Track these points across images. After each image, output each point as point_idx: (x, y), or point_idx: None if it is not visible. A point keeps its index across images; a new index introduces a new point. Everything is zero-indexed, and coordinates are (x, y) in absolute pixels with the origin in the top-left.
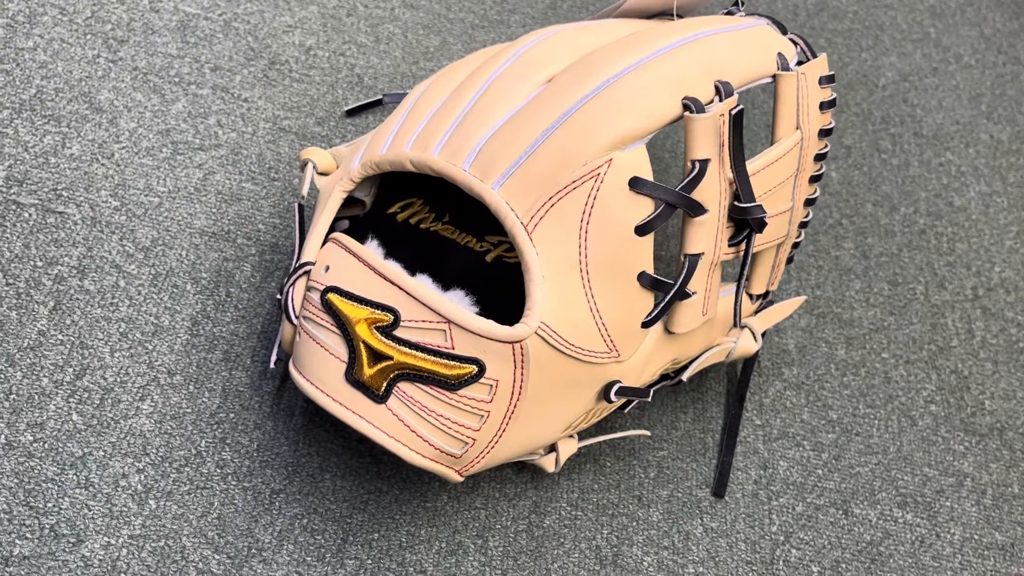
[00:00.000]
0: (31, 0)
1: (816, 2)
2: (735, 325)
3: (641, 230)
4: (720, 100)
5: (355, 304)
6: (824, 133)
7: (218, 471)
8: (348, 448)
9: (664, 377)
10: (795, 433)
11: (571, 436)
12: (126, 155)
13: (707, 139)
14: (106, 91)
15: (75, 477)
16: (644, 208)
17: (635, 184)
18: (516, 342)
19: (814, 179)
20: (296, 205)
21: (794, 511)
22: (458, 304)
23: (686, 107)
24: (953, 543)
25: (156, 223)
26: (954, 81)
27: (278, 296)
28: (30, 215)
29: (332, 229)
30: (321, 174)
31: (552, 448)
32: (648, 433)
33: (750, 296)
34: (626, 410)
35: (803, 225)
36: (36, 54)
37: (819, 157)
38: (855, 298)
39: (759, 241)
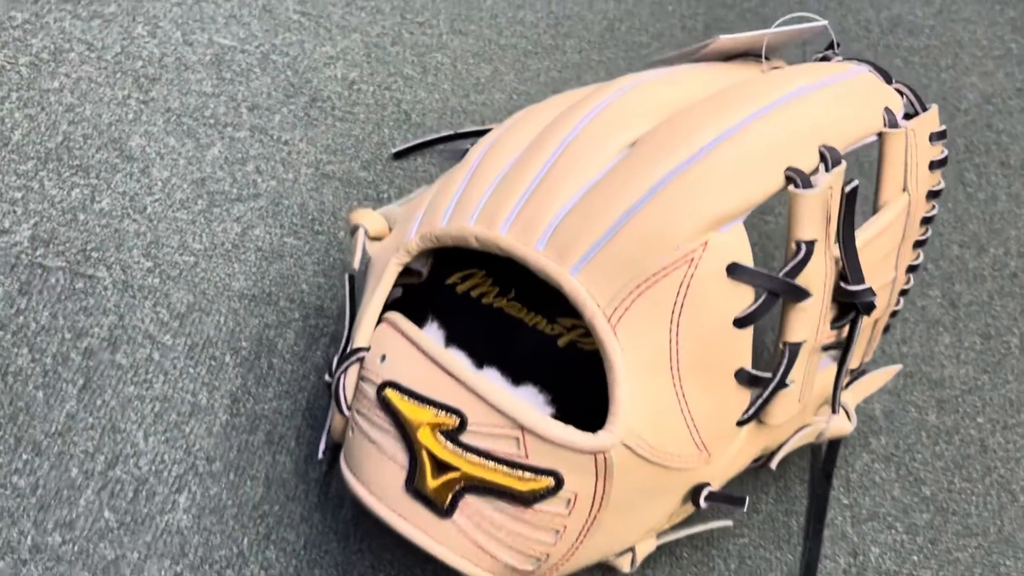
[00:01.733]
0: (56, 35)
1: (890, 16)
2: (833, 412)
3: (741, 322)
4: (827, 169)
5: (417, 404)
6: (932, 195)
7: (262, 573)
8: (402, 545)
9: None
10: (886, 513)
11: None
12: (159, 209)
13: (814, 217)
14: (137, 136)
15: None
16: (744, 297)
17: (734, 271)
18: (599, 452)
19: (918, 244)
20: (346, 277)
21: None
22: (531, 404)
23: (790, 179)
24: None
25: (192, 286)
26: None
27: (327, 378)
28: (58, 280)
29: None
30: (373, 238)
31: (629, 547)
32: (730, 523)
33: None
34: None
35: (903, 293)
36: (63, 96)
37: (925, 220)
38: (944, 354)
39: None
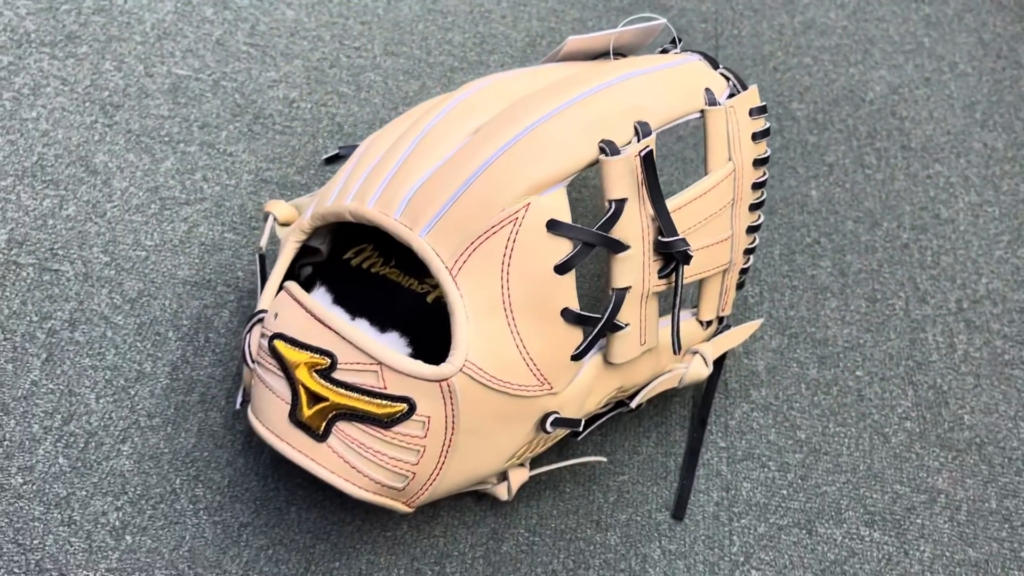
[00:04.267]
0: (35, 73)
1: (804, 20)
2: (675, 353)
3: (560, 269)
4: (639, 140)
5: (297, 349)
6: (760, 162)
7: (191, 507)
8: (314, 482)
9: (620, 404)
10: (760, 454)
11: (522, 465)
12: (117, 213)
13: (622, 180)
14: (101, 154)
15: (59, 516)
16: (562, 248)
17: (552, 226)
18: (442, 380)
19: (755, 207)
20: (257, 255)
21: (756, 532)
22: (392, 346)
23: (601, 150)
24: (923, 560)
25: (142, 275)
26: (947, 90)
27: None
28: (28, 274)
29: (297, 275)
30: (284, 224)
31: (504, 476)
32: (605, 459)
33: (701, 323)
34: (579, 437)
35: (749, 251)
36: (39, 123)
37: (757, 185)
38: (830, 316)
39: (697, 270)
